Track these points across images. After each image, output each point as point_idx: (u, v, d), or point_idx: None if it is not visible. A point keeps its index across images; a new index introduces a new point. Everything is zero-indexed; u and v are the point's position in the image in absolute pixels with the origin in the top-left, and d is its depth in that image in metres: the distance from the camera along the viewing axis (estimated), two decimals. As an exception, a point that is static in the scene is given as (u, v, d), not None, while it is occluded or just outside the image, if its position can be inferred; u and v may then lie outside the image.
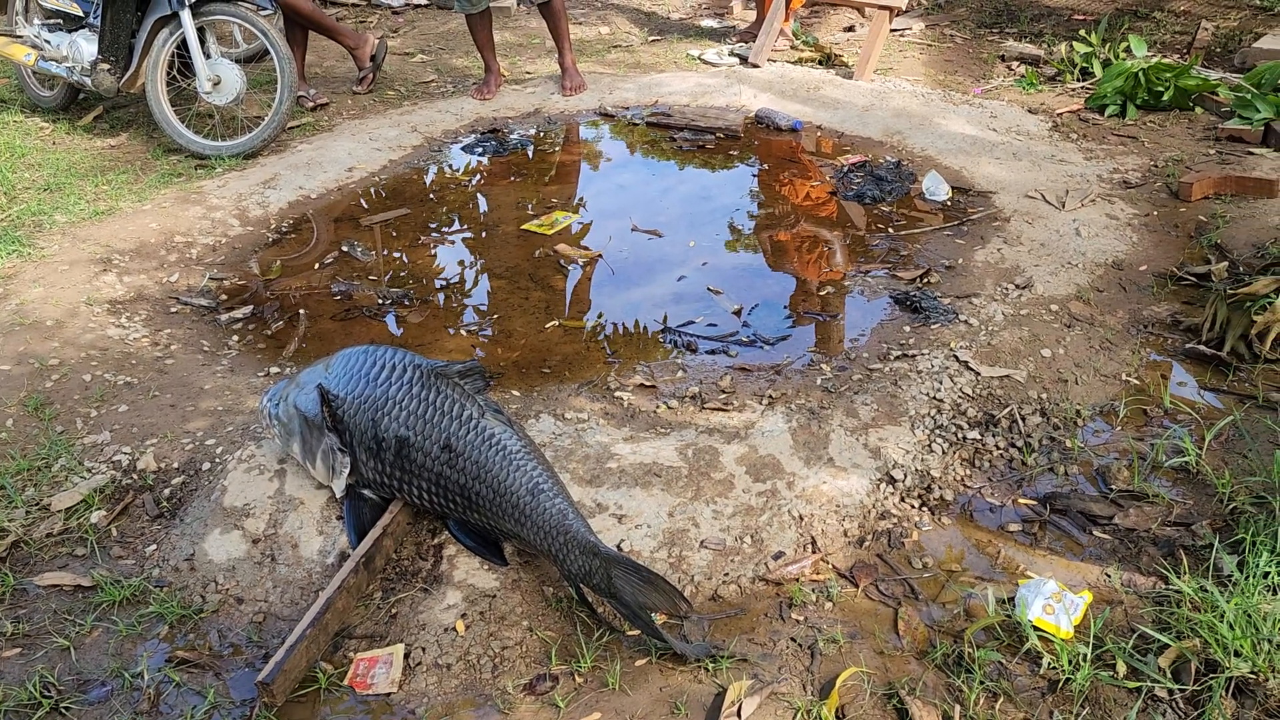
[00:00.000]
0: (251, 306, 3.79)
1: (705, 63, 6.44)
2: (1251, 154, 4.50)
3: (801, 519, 2.59)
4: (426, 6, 8.23)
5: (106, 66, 5.17)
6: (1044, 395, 3.03)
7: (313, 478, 2.68)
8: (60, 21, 5.46)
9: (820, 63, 6.35)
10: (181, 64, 5.19)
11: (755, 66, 6.16)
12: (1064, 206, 4.11)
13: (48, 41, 5.40)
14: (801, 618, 2.36)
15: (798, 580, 2.46)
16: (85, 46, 5.24)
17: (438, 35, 7.43)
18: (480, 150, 5.18)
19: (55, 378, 3.28)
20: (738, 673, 2.20)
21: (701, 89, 5.79)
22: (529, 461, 2.37)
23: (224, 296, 3.89)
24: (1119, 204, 4.15)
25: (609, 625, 2.34)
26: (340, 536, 2.58)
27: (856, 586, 2.44)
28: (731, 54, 6.45)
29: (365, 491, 2.59)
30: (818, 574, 2.48)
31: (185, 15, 4.92)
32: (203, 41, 5.05)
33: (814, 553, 2.53)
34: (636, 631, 2.31)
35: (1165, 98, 5.08)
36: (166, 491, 2.82)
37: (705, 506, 2.62)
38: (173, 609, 2.44)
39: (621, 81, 6.03)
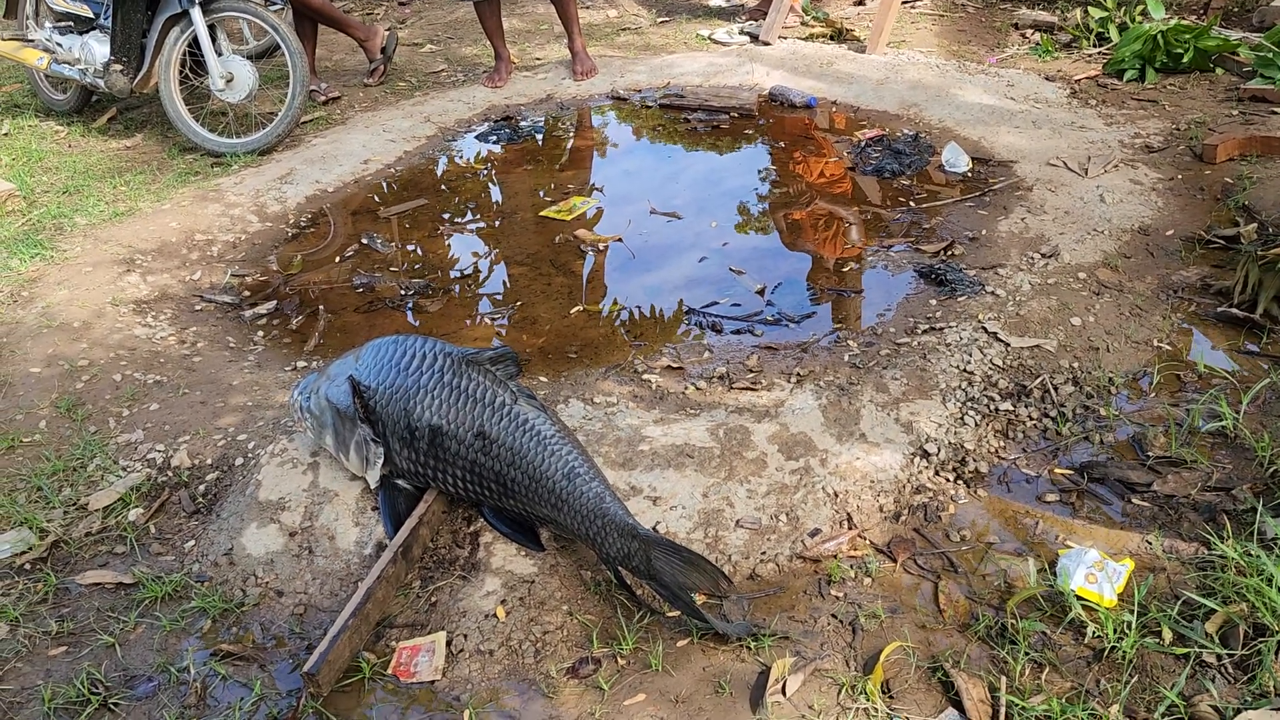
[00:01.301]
0: (274, 302, 3.80)
1: (715, 42, 6.40)
2: (1275, 113, 4.44)
3: (836, 495, 2.58)
4: (433, -4, 8.20)
5: (119, 67, 5.18)
6: (1075, 364, 3.01)
7: (346, 469, 2.69)
8: (71, 24, 5.47)
9: (831, 38, 6.30)
10: (193, 62, 5.20)
11: (766, 44, 6.11)
12: (1087, 173, 4.07)
13: (59, 44, 5.41)
14: (841, 594, 2.35)
15: (835, 557, 2.45)
16: (97, 48, 5.25)
17: (445, 25, 7.41)
18: (494, 138, 5.17)
19: (85, 378, 3.29)
20: (780, 650, 2.20)
21: (713, 69, 5.76)
22: (564, 446, 2.36)
23: (247, 293, 3.90)
24: (1142, 169, 4.11)
25: (649, 607, 2.35)
26: (376, 527, 2.58)
27: (895, 561, 2.43)
28: (742, 32, 6.41)
29: (399, 481, 2.60)
30: (855, 550, 2.48)
31: (195, 13, 4.92)
32: (214, 39, 5.05)
33: (850, 529, 2.53)
34: (677, 612, 2.31)
35: (1185, 60, 5.02)
36: (201, 488, 2.84)
37: (739, 486, 2.61)
38: (214, 603, 2.46)
39: (632, 64, 6.01)
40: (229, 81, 5.08)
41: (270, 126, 5.07)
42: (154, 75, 5.17)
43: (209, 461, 2.92)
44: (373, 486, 2.62)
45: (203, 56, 5.03)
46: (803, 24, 6.58)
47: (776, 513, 2.55)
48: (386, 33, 6.08)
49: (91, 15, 5.32)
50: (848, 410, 2.84)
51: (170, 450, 2.96)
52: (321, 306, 3.76)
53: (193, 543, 2.67)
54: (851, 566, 2.42)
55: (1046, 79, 5.25)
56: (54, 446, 3.02)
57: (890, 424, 2.80)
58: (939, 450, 2.72)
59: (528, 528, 2.51)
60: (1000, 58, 5.70)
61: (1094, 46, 5.64)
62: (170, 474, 2.90)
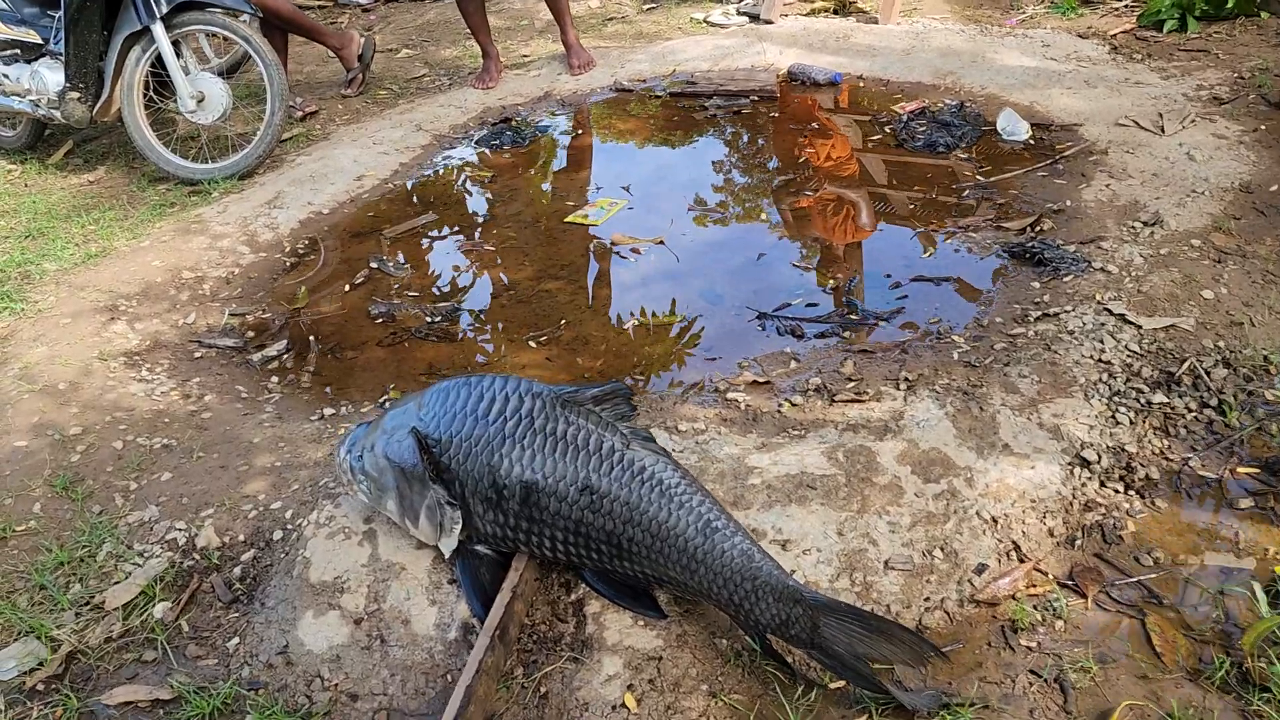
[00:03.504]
0: (285, 341, 3.37)
1: (712, 25, 6.02)
2: (1340, 54, 4.14)
3: (995, 522, 2.21)
4: (397, 0, 7.76)
5: (76, 95, 4.71)
6: (1221, 343, 2.66)
7: (412, 537, 2.27)
8: (17, 52, 4.96)
9: (835, 11, 5.94)
10: (157, 84, 4.74)
11: (769, 22, 5.75)
12: (1163, 131, 3.73)
13: (5, 76, 4.91)
14: (1033, 643, 1.98)
15: (1014, 597, 2.07)
16: (49, 76, 4.76)
17: (417, 28, 6.97)
18: (497, 142, 4.75)
19: (81, 449, 2.85)
20: (983, 723, 1.82)
21: (721, 52, 5.37)
22: (694, 496, 1.97)
23: (250, 333, 3.47)
24: (1221, 122, 3.78)
25: (806, 678, 1.96)
26: (457, 604, 2.17)
27: (1084, 597, 2.06)
28: (739, 13, 6.03)
29: (479, 547, 2.19)
30: (1033, 586, 2.10)
31: (158, 29, 4.46)
32: (179, 56, 4.59)
33: (1021, 561, 2.15)
34: (841, 683, 1.93)
35: (1228, 6, 4.72)
36: (237, 570, 2.40)
37: (878, 519, 2.23)
38: (276, 716, 2.03)
39: (630, 54, 5.61)
40: (200, 102, 4.63)
41: (250, 147, 4.62)
42: (115, 101, 4.72)
43: (241, 538, 2.49)
44: (446, 556, 2.21)
45: (168, 76, 4.58)
46: (800, 0, 6.22)
47: (929, 548, 2.17)
48: (363, 39, 5.63)
49: (40, 41, 4.83)
50: (980, 418, 2.47)
51: (193, 528, 2.53)
52: (339, 343, 3.33)
53: (237, 640, 2.24)
54: (1035, 608, 2.04)
55: (1080, 36, 4.93)
56: (54, 534, 2.57)
57: (1034, 430, 2.43)
58: (1099, 457, 2.36)
59: (640, 591, 2.11)
60: (1020, 19, 5.37)
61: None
62: (197, 557, 2.46)
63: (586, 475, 2.00)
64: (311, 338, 3.38)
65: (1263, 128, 3.71)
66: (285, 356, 3.31)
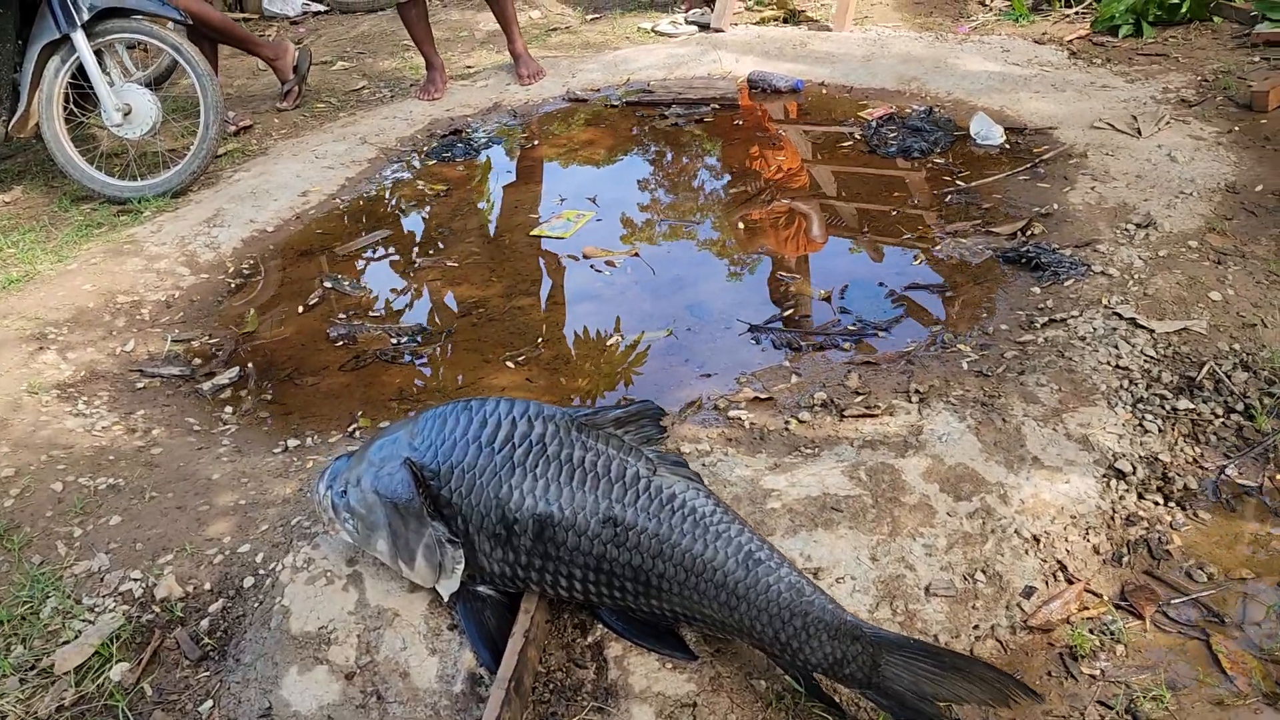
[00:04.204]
0: (237, 368, 3.11)
1: (660, 34, 5.90)
2: (1299, 56, 4.16)
3: (1037, 541, 2.08)
4: (327, 12, 7.49)
5: (-11, 110, 4.38)
6: (1236, 345, 2.58)
7: (405, 578, 2.06)
8: (-78, 65, 4.61)
9: (785, 20, 5.86)
10: (78, 96, 4.42)
11: (719, 31, 5.63)
12: (1140, 134, 3.69)
13: (-91, 90, 4.55)
14: (1095, 671, 1.84)
15: (1068, 621, 1.94)
16: (-43, 90, 4.42)
17: (351, 40, 6.71)
18: (448, 154, 4.53)
19: (15, 492, 2.55)
20: (1059, 763, 1.67)
21: (675, 60, 5.24)
22: (731, 526, 1.79)
23: (197, 361, 3.20)
24: (1194, 123, 3.75)
25: (857, 720, 1.79)
26: (461, 652, 1.96)
27: (1140, 618, 1.94)
28: (688, 22, 5.91)
29: (481, 588, 1.98)
30: (1086, 609, 1.97)
31: (79, 37, 4.16)
32: (103, 66, 4.29)
33: (1070, 582, 2.02)
34: (896, 724, 1.76)
35: (1182, 10, 4.74)
36: (205, 623, 2.15)
37: (912, 541, 2.08)
38: (262, 791, 1.80)
39: (581, 63, 5.44)
40: (127, 115, 4.33)
41: (184, 163, 4.33)
42: (33, 115, 4.39)
43: (207, 587, 2.23)
44: (446, 599, 1.99)
45: (90, 88, 4.28)
46: (748, 9, 6.13)
47: (970, 571, 2.02)
48: (298, 50, 5.36)
49: (-53, 52, 4.48)
50: (1004, 430, 2.34)
51: (151, 577, 2.26)
52: (297, 368, 3.09)
53: (210, 704, 1.99)
54: (1092, 631, 1.91)
55: (1036, 43, 4.91)
56: (-11, 590, 2.29)
57: (1062, 441, 2.30)
58: (1134, 468, 2.24)
59: (663, 631, 1.92)
60: (972, 26, 5.34)
61: (1069, 6, 5.33)
62: (157, 610, 2.20)
63: (609, 505, 1.81)
64: (259, 364, 3.13)
65: (1236, 129, 3.68)
66: (239, 384, 3.05)
